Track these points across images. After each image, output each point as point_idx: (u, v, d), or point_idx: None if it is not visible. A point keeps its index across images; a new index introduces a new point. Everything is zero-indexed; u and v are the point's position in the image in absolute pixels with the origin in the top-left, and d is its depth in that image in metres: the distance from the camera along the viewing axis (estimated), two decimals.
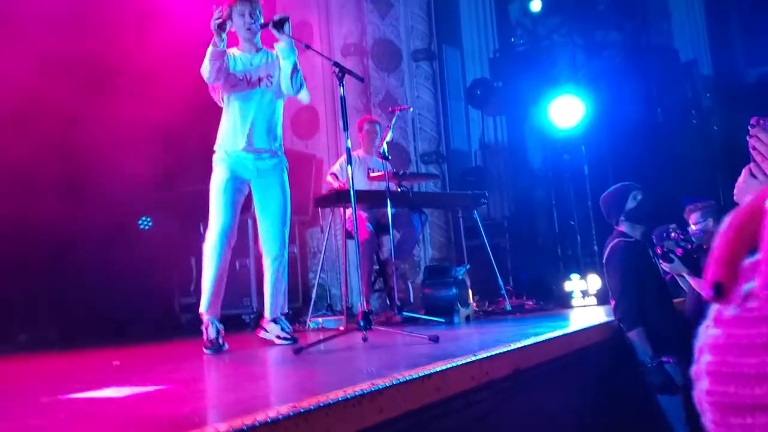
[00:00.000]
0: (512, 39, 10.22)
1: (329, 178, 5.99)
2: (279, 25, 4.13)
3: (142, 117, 6.18)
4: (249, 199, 4.34)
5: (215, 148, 4.23)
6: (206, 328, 3.98)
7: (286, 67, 4.25)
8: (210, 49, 3.97)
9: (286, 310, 4.37)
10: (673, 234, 4.53)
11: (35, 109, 5.83)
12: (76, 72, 6.11)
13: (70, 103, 5.91)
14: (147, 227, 6.78)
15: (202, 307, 4.05)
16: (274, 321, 4.28)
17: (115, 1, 6.73)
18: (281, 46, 4.20)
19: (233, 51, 4.26)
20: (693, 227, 4.78)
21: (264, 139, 4.24)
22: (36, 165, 6.01)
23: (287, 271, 4.37)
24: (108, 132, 6.16)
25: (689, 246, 4.58)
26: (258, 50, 4.31)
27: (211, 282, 4.04)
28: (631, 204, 4.30)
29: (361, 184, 5.86)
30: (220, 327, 4.01)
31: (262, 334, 4.33)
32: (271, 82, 4.27)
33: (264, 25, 4.17)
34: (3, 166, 5.75)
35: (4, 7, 5.74)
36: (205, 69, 4.01)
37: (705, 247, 4.71)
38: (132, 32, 6.46)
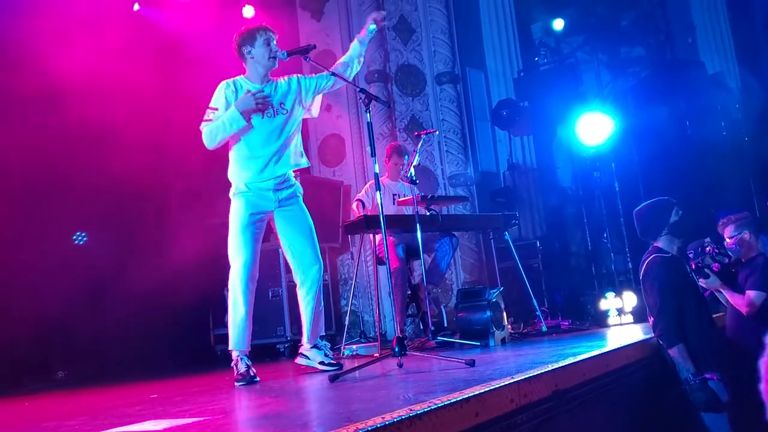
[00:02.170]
0: (536, 58, 10.20)
1: (354, 206, 5.96)
2: (305, 51, 4.20)
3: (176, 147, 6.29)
4: (268, 227, 4.32)
5: (231, 180, 4.19)
6: (236, 364, 4.00)
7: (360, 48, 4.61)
8: (234, 121, 4.01)
9: (323, 332, 4.35)
10: (708, 248, 4.46)
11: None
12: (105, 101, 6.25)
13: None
14: (82, 242, 6.73)
15: (231, 344, 4.04)
16: (315, 347, 4.26)
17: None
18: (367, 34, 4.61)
19: (240, 81, 4.22)
20: (728, 240, 4.69)
21: (282, 168, 4.22)
22: (74, 204, 6.12)
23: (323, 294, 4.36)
24: (138, 162, 6.26)
25: (726, 260, 4.50)
26: (268, 81, 4.27)
27: (239, 319, 4.03)
28: (674, 218, 4.24)
29: (389, 210, 5.85)
30: (249, 362, 4.01)
31: (302, 361, 4.30)
32: (285, 110, 4.26)
33: (291, 53, 4.21)
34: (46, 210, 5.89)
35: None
36: (214, 136, 4.04)
37: (743, 260, 4.62)
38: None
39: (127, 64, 6.34)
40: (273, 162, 4.17)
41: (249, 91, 4.09)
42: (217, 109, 4.10)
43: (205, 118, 4.10)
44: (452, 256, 6.17)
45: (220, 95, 4.14)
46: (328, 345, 4.37)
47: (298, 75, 4.40)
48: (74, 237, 6.60)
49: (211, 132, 4.05)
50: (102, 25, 6.42)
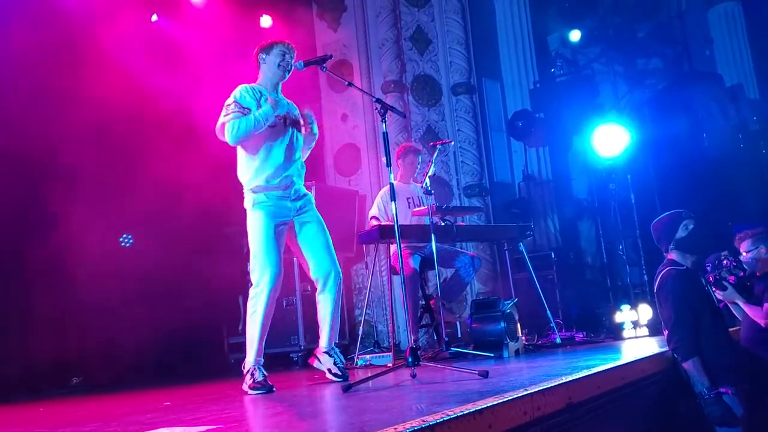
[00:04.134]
0: (552, 70, 10.19)
1: (373, 222, 5.91)
2: (321, 62, 4.23)
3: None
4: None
5: (250, 190, 4.15)
6: (252, 373, 3.99)
7: (308, 143, 4.42)
8: (268, 118, 4.01)
9: (337, 339, 4.37)
10: (725, 261, 4.45)
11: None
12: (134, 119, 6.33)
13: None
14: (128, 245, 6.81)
15: (251, 358, 4.03)
16: (328, 353, 4.28)
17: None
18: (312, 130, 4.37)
19: (257, 87, 4.24)
20: (744, 255, 4.67)
21: (300, 178, 4.28)
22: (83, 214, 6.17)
23: None
24: (157, 172, 6.31)
25: (742, 273, 4.49)
26: (279, 93, 4.32)
27: (261, 330, 4.03)
28: (681, 233, 4.23)
29: (402, 215, 5.84)
30: (265, 372, 4.02)
31: (315, 363, 4.33)
32: (298, 122, 4.34)
33: (308, 63, 4.24)
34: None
35: None
36: (243, 130, 3.99)
37: (758, 274, 4.60)
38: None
39: (146, 74, 6.40)
40: (291, 173, 4.21)
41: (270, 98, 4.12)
42: (250, 109, 4.07)
43: (229, 113, 4.05)
44: (473, 278, 6.12)
45: (243, 93, 4.13)
46: (339, 351, 4.39)
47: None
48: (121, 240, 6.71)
49: (239, 125, 3.99)
50: (125, 34, 6.51)
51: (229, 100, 4.12)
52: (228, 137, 4.02)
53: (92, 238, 6.34)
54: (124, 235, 6.85)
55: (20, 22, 5.82)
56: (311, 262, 4.26)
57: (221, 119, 4.08)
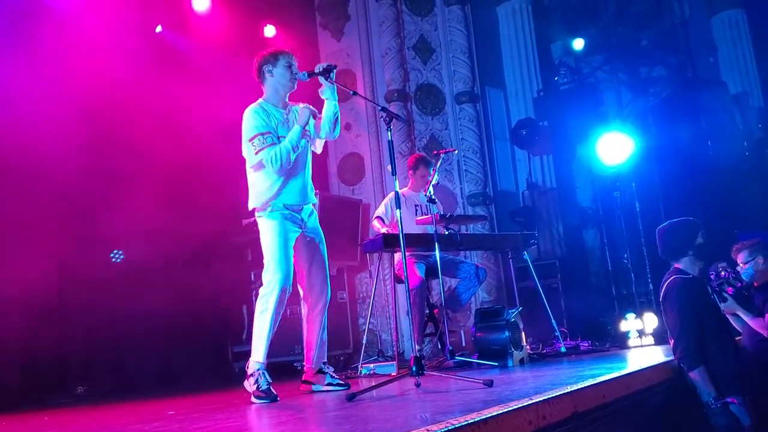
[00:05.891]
0: (556, 78, 10.19)
1: (375, 223, 5.96)
2: (326, 72, 4.21)
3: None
4: None
5: (262, 203, 4.16)
6: (257, 379, 3.97)
7: (329, 109, 4.29)
8: (299, 137, 4.06)
9: (325, 358, 4.39)
10: (723, 273, 4.46)
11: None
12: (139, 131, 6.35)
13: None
14: (119, 260, 6.79)
15: (259, 357, 4.02)
16: (320, 372, 4.30)
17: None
18: (325, 90, 4.25)
19: (263, 105, 4.25)
20: (742, 265, 4.67)
21: (309, 190, 4.30)
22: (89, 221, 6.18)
23: None
24: (160, 181, 6.32)
25: (739, 284, 4.49)
26: (286, 104, 4.33)
27: (269, 330, 4.03)
28: (700, 240, 4.21)
29: (409, 222, 5.84)
30: (270, 380, 4.01)
31: (307, 389, 4.33)
32: (308, 135, 4.31)
33: (312, 74, 4.24)
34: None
35: None
36: (284, 157, 4.03)
37: (756, 284, 4.60)
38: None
39: (151, 84, 6.41)
40: (304, 186, 4.25)
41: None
42: (270, 133, 4.08)
43: (260, 144, 4.05)
44: (477, 289, 6.11)
45: (259, 120, 4.11)
46: (332, 368, 4.40)
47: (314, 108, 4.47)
48: (112, 255, 6.70)
49: (280, 153, 4.03)
50: (126, 46, 6.53)
51: (251, 132, 4.10)
52: (274, 167, 4.05)
53: (97, 247, 6.37)
54: (115, 251, 6.80)
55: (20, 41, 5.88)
56: (309, 279, 4.31)
57: (256, 156, 4.08)
